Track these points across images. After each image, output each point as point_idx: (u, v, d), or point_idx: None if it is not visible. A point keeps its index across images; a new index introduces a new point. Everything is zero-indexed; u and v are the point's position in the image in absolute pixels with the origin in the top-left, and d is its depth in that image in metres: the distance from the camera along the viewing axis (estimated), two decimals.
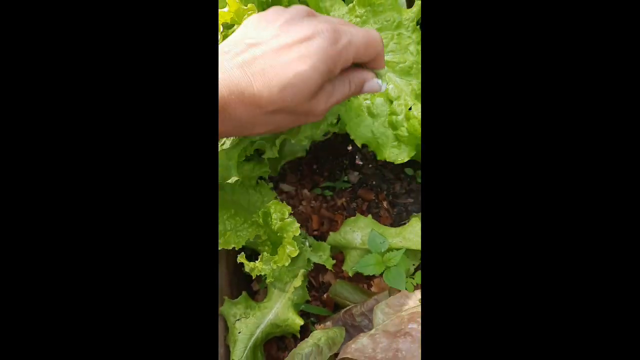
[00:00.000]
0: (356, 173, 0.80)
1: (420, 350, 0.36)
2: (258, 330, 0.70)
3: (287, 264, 0.56)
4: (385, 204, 0.78)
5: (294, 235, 0.59)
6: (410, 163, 0.79)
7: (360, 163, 0.81)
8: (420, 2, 0.68)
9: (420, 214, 0.71)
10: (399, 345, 0.37)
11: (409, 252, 0.70)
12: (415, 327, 0.39)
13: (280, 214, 0.58)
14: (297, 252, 0.58)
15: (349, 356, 0.39)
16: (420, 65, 0.68)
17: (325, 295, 0.77)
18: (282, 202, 0.61)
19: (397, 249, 0.63)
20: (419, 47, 0.68)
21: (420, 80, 0.68)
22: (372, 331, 0.41)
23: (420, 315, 0.42)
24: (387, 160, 0.68)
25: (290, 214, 0.64)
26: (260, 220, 0.58)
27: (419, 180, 0.77)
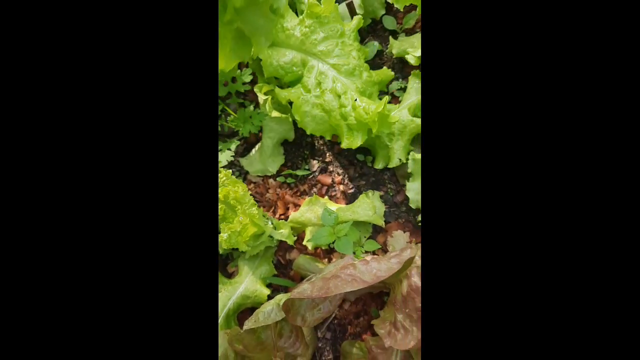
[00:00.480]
0: (315, 161, 0.91)
1: (346, 287, 0.47)
2: (230, 302, 0.80)
3: (239, 229, 0.66)
4: (341, 187, 0.89)
5: (251, 208, 0.68)
6: (361, 150, 0.91)
7: (320, 152, 0.92)
8: (359, 17, 0.79)
9: (368, 191, 0.82)
10: (329, 285, 0.47)
11: (359, 224, 0.81)
12: (346, 271, 0.50)
13: (234, 188, 0.67)
14: (249, 219, 0.67)
15: (291, 296, 0.49)
16: (361, 68, 0.79)
17: (292, 272, 0.87)
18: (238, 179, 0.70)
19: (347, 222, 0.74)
20: (360, 53, 0.79)
21: (363, 80, 0.79)
22: (313, 279, 0.51)
23: (353, 265, 0.53)
24: (346, 147, 0.79)
25: (252, 194, 0.73)
26: (222, 196, 0.67)
27: (369, 164, 0.88)
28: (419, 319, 0.46)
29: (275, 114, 0.82)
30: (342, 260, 0.64)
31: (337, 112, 0.77)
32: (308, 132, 0.81)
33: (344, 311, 0.82)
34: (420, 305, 0.46)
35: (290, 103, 0.80)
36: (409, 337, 0.46)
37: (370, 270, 0.50)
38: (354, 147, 0.79)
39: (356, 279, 0.47)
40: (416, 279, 0.46)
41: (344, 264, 0.52)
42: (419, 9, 0.82)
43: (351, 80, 0.78)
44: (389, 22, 0.94)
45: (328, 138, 0.82)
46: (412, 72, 0.84)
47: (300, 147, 0.92)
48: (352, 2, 0.86)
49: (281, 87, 0.83)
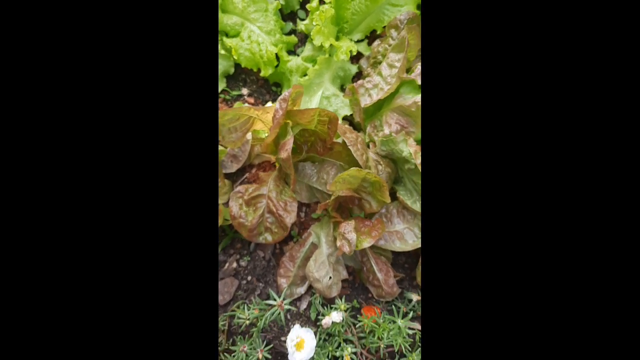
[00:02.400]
0: (246, 89, 1.44)
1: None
2: None
3: None
4: (260, 105, 1.43)
5: None
6: (275, 84, 1.45)
7: (249, 84, 1.46)
8: (277, 2, 1.36)
9: (275, 103, 1.37)
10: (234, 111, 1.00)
11: None
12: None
13: None
14: None
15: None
16: (276, 32, 1.34)
17: None
18: None
19: None
20: (277, 24, 1.36)
21: (275, 38, 1.35)
22: None
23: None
24: (262, 75, 1.33)
25: None
26: None
27: (279, 93, 1.43)
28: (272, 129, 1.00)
29: (222, 53, 1.35)
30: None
31: (258, 54, 1.32)
32: (242, 66, 1.35)
33: (252, 174, 1.34)
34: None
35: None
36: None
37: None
38: (267, 76, 1.33)
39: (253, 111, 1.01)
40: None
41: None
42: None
43: (268, 37, 1.34)
44: (302, 14, 1.52)
45: (255, 70, 1.36)
46: (307, 39, 1.42)
47: (237, 80, 1.45)
48: None
49: (227, 38, 1.36)
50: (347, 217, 1.12)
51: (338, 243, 0.97)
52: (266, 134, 1.25)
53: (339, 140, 1.10)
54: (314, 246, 1.16)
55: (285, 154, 0.96)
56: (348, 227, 0.96)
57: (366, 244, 0.97)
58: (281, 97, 1.00)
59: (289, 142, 0.96)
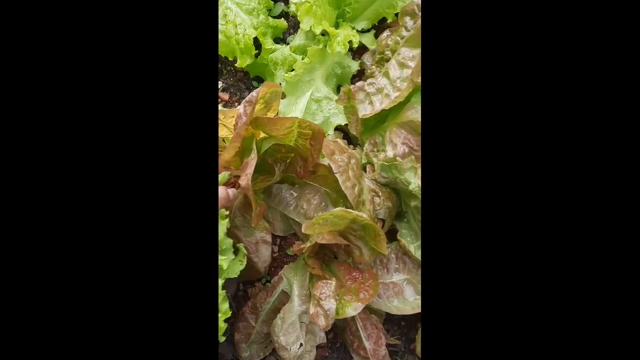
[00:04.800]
0: (220, 82, 1.16)
1: None
2: None
3: None
4: (236, 104, 1.15)
5: None
6: (256, 77, 1.17)
7: (226, 76, 1.18)
8: None
9: None
10: None
11: None
12: None
13: None
14: None
15: None
16: (259, 12, 1.06)
17: None
18: None
19: None
20: (263, 1, 1.07)
21: (259, 20, 1.06)
22: None
23: None
24: (239, 66, 1.05)
25: None
26: None
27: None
28: None
29: None
30: None
31: (234, 39, 1.04)
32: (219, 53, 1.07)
33: None
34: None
35: None
36: None
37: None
38: (243, 66, 1.05)
39: None
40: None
41: None
42: None
43: (249, 17, 1.05)
44: None
45: (230, 58, 1.08)
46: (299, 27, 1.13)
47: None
48: None
49: None
50: (330, 261, 0.85)
51: (312, 310, 0.70)
52: None
53: (326, 162, 0.82)
54: (285, 295, 0.89)
55: (244, 180, 0.68)
56: (326, 290, 0.69)
57: (351, 310, 0.69)
58: (247, 98, 0.72)
59: (251, 163, 0.69)
